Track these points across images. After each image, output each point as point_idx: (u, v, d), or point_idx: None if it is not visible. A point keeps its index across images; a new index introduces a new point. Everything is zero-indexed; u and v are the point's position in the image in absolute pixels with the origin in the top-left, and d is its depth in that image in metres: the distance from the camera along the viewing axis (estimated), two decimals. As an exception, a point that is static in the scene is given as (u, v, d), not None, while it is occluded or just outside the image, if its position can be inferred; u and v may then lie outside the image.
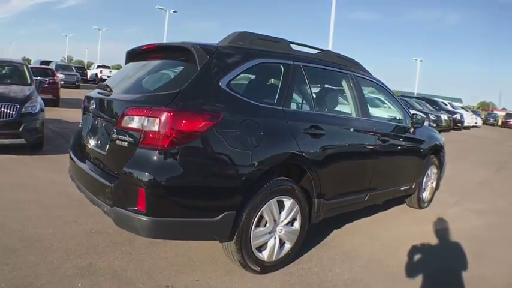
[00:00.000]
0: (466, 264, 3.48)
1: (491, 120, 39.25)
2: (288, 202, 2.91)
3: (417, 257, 3.56)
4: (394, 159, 4.25)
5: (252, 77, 3.44)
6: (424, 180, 5.05)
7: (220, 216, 2.51)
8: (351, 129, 3.53)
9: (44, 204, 3.92)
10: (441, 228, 4.42)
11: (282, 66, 3.12)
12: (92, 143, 3.06)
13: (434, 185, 5.35)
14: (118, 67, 36.34)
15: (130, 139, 2.50)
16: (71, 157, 3.31)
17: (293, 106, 3.31)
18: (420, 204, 5.11)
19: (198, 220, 2.52)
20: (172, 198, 2.41)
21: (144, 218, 2.35)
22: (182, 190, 2.44)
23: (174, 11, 38.88)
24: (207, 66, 2.62)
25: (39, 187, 4.51)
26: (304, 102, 3.66)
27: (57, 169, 5.25)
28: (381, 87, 4.46)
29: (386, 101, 6.09)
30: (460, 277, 3.22)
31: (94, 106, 3.09)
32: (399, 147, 4.31)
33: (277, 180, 2.82)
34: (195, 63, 2.60)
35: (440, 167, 5.45)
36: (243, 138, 2.57)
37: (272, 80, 3.39)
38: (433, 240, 4.05)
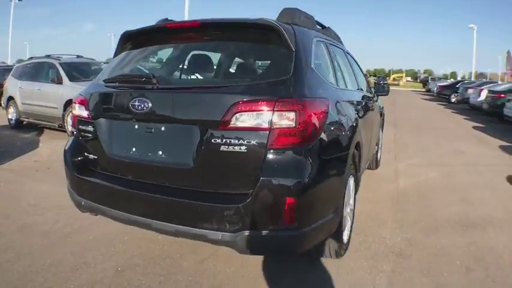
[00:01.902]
0: (461, 208, 4.12)
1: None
2: (351, 180, 2.97)
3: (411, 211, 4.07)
4: (372, 126, 4.58)
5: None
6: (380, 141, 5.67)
7: (334, 208, 2.40)
8: (360, 103, 3.72)
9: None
10: (411, 183, 5.11)
11: (323, 45, 3.02)
12: (140, 154, 2.36)
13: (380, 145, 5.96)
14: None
15: (250, 141, 2.02)
16: (82, 178, 2.56)
17: (341, 85, 3.23)
18: (377, 164, 5.73)
19: (328, 219, 2.31)
20: (316, 201, 2.17)
21: (293, 232, 2.04)
22: (321, 190, 2.19)
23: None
24: (299, 47, 2.30)
25: None
26: (340, 81, 3.71)
27: None
28: (352, 59, 4.72)
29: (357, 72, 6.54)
30: (464, 218, 3.81)
31: (141, 105, 2.27)
32: (373, 114, 4.63)
33: None
34: (286, 44, 2.25)
35: (382, 130, 6.07)
36: (340, 124, 2.54)
37: (323, 59, 3.06)
38: (413, 194, 4.65)
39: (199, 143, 2.12)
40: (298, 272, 2.66)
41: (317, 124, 2.12)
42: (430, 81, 35.74)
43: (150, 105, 2.22)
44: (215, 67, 2.77)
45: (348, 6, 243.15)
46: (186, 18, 22.54)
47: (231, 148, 2.04)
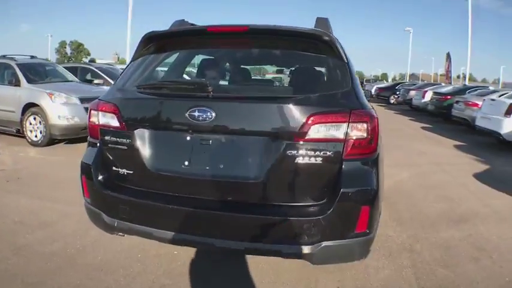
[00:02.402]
0: (445, 205, 4.45)
1: None
2: None
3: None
4: None
5: None
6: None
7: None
8: None
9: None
10: (390, 183, 5.26)
11: None
12: (195, 169, 2.19)
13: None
14: None
15: (326, 152, 2.01)
16: (116, 197, 2.32)
17: None
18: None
19: (379, 221, 2.32)
20: (380, 207, 2.19)
21: (366, 237, 2.08)
22: (381, 196, 2.21)
23: None
24: (348, 59, 2.32)
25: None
26: None
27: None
28: None
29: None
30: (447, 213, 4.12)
31: (203, 115, 2.08)
32: None
33: None
34: (339, 56, 2.26)
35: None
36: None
37: None
38: (396, 194, 4.91)
39: (271, 155, 2.05)
40: (333, 274, 2.74)
41: (378, 134, 2.16)
42: (365, 83, 37.39)
43: (213, 115, 2.07)
44: (268, 76, 2.73)
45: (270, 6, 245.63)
46: (129, 17, 21.87)
47: (306, 160, 2.01)
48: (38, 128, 6.93)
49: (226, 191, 2.17)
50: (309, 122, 2.00)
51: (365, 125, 2.04)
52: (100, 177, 2.40)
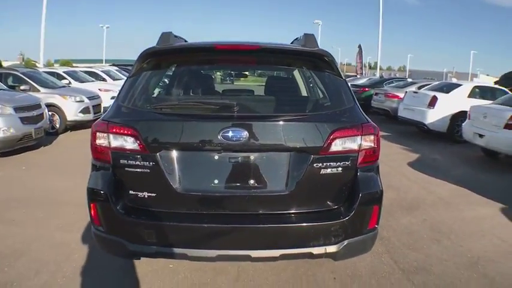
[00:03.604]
0: (394, 194, 4.97)
1: None
2: None
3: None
4: None
5: None
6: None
7: None
8: None
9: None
10: None
11: None
12: (225, 186, 2.27)
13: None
14: None
15: (345, 162, 2.25)
16: (141, 222, 2.25)
17: None
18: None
19: None
20: None
21: (375, 232, 2.39)
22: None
23: None
24: (343, 76, 2.54)
25: None
26: None
27: None
28: None
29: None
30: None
31: (236, 135, 2.15)
32: None
33: None
34: (338, 73, 2.51)
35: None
36: None
37: None
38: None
39: (298, 168, 2.22)
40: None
41: (380, 143, 2.42)
42: None
43: (246, 134, 2.15)
44: (280, 93, 2.79)
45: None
46: (43, 22, 19.97)
47: (329, 170, 2.23)
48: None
49: (258, 204, 2.28)
50: (332, 136, 2.23)
51: (372, 137, 2.32)
52: (119, 204, 2.27)
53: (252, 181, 2.25)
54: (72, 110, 8.93)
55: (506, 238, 3.68)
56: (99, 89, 11.13)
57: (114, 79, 14.47)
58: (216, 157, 2.25)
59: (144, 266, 2.95)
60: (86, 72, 14.06)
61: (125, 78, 2.83)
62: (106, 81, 13.92)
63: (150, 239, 2.24)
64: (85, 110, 9.18)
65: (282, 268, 2.96)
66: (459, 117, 8.82)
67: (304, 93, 3.23)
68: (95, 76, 14.02)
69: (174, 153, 2.24)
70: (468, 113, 7.61)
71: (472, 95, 9.53)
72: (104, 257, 2.85)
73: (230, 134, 2.16)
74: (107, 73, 14.95)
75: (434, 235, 3.70)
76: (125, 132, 2.23)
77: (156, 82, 2.63)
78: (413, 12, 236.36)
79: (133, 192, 2.29)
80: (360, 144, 2.27)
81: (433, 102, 9.16)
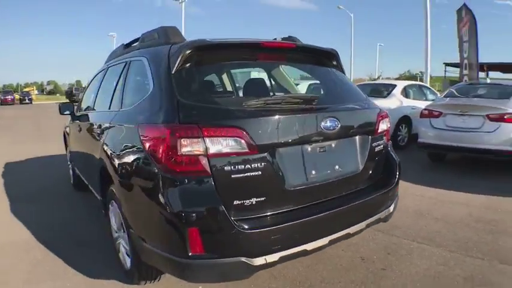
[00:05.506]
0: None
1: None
2: None
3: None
4: None
5: None
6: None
7: None
8: None
9: None
10: None
11: None
12: (320, 176, 2.39)
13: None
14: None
15: (383, 140, 2.87)
16: (259, 232, 2.06)
17: None
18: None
19: None
20: None
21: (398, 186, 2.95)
22: None
23: None
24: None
25: None
26: None
27: None
28: None
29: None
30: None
31: (333, 125, 2.40)
32: None
33: None
34: (339, 67, 3.07)
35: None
36: None
37: None
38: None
39: (363, 149, 2.68)
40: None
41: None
42: (74, 91, 39.26)
43: (339, 124, 2.44)
44: (336, 87, 3.06)
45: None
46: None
47: (379, 147, 2.80)
48: None
49: (343, 186, 2.56)
50: (379, 119, 2.84)
51: (387, 119, 2.94)
52: (233, 218, 2.02)
53: (337, 167, 2.51)
54: None
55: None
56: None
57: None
58: (309, 149, 2.36)
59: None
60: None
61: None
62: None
63: (274, 246, 2.09)
64: None
65: (279, 269, 2.87)
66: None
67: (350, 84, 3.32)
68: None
69: (279, 151, 2.21)
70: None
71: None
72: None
73: (328, 123, 2.39)
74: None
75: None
76: (230, 134, 2.05)
77: (209, 78, 2.88)
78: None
79: (239, 202, 2.09)
80: (387, 125, 2.92)
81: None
